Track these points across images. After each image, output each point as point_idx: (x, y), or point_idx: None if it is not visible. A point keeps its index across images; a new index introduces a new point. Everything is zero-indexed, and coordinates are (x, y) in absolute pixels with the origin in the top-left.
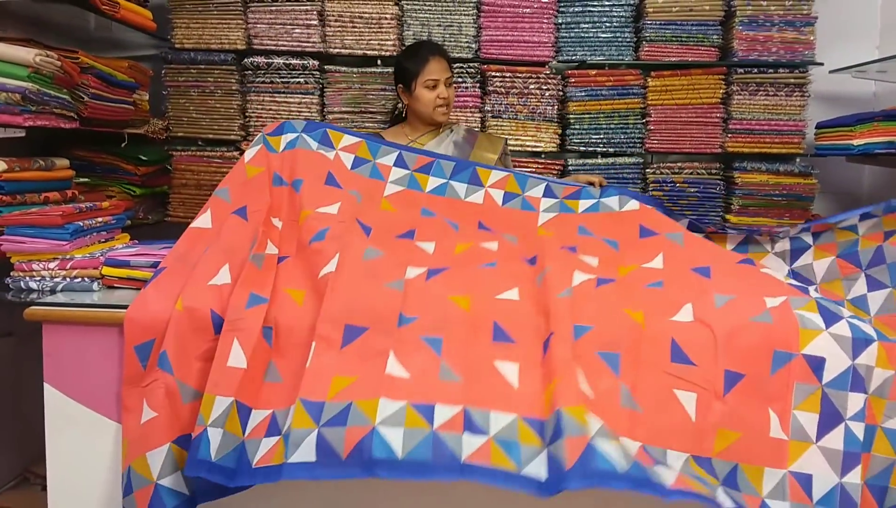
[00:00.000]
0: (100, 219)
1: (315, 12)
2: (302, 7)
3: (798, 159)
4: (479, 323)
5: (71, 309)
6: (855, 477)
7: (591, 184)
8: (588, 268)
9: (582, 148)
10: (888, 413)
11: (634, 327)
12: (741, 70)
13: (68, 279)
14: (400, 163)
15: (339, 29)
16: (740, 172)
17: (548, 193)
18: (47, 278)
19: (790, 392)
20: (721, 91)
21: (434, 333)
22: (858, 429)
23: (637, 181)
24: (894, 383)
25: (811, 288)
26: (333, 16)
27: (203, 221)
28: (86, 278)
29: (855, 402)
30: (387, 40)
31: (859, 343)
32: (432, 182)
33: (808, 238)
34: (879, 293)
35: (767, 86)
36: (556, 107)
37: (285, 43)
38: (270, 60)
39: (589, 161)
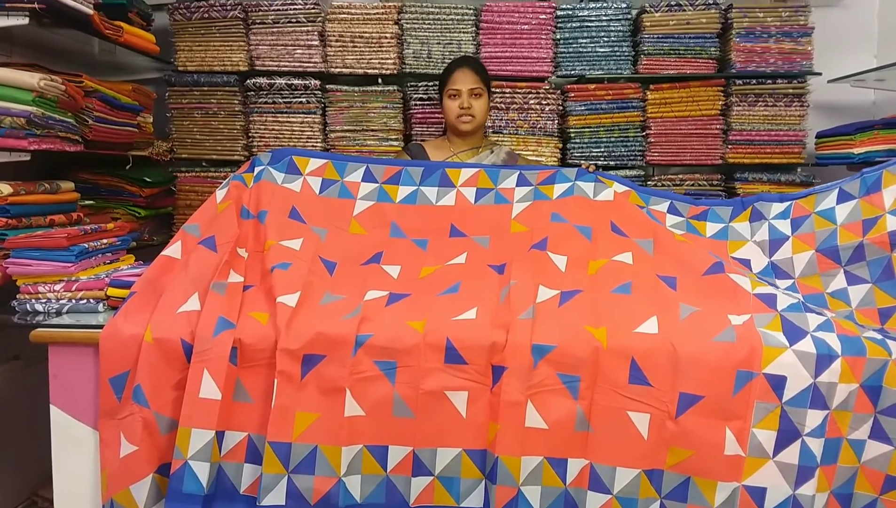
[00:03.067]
0: (105, 241)
1: (316, 33)
2: (303, 28)
3: (799, 169)
4: (432, 343)
5: (76, 331)
6: (809, 489)
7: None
8: (554, 277)
9: (583, 162)
10: (853, 425)
11: (596, 347)
12: (740, 81)
13: (74, 301)
14: (368, 177)
15: (340, 49)
16: (742, 183)
17: (521, 181)
18: (53, 300)
19: (750, 411)
20: (720, 103)
21: (387, 356)
22: (816, 445)
23: None
24: (859, 396)
25: (787, 283)
26: (334, 36)
27: (173, 250)
28: (91, 300)
29: (814, 418)
30: (387, 59)
31: (823, 360)
32: (402, 191)
33: (787, 226)
34: (860, 288)
35: (766, 96)
36: (556, 121)
37: (287, 63)
38: (272, 81)
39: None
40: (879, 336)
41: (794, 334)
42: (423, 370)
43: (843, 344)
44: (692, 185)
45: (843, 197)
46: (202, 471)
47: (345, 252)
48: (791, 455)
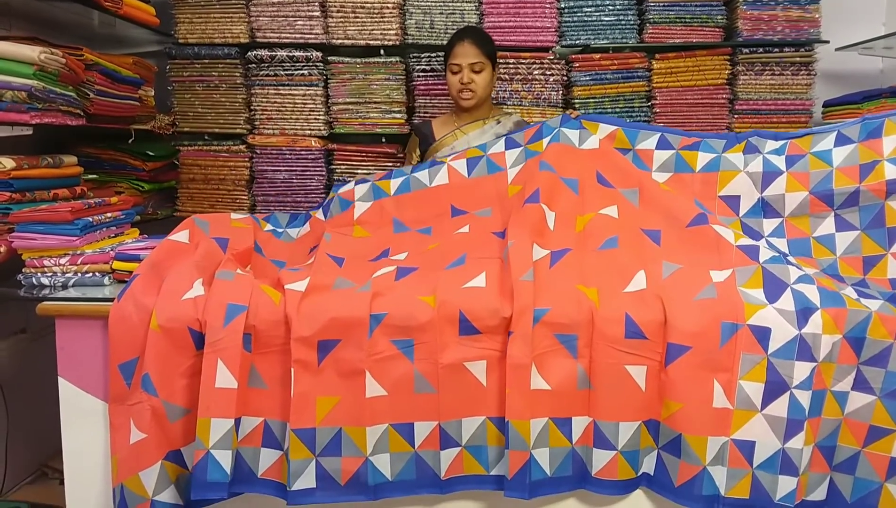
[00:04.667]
0: (109, 214)
1: (317, 3)
2: None
3: None
4: (445, 316)
5: (83, 304)
6: (798, 443)
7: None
8: (545, 235)
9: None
10: (837, 377)
11: (589, 306)
12: (746, 50)
13: (79, 275)
14: (360, 181)
15: (342, 20)
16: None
17: (510, 144)
18: (59, 274)
19: (737, 363)
20: (726, 72)
21: (403, 334)
22: (804, 397)
23: None
24: (842, 347)
25: (775, 223)
26: (335, 6)
27: (181, 236)
28: (97, 273)
29: (802, 371)
30: (389, 30)
31: (803, 314)
32: (394, 184)
33: (782, 162)
34: (847, 234)
35: (773, 65)
36: (560, 92)
37: (288, 35)
38: (274, 53)
39: None
40: (855, 295)
41: (774, 290)
42: (439, 344)
43: (822, 296)
44: None
45: (842, 140)
46: (225, 459)
47: (352, 251)
48: (779, 407)
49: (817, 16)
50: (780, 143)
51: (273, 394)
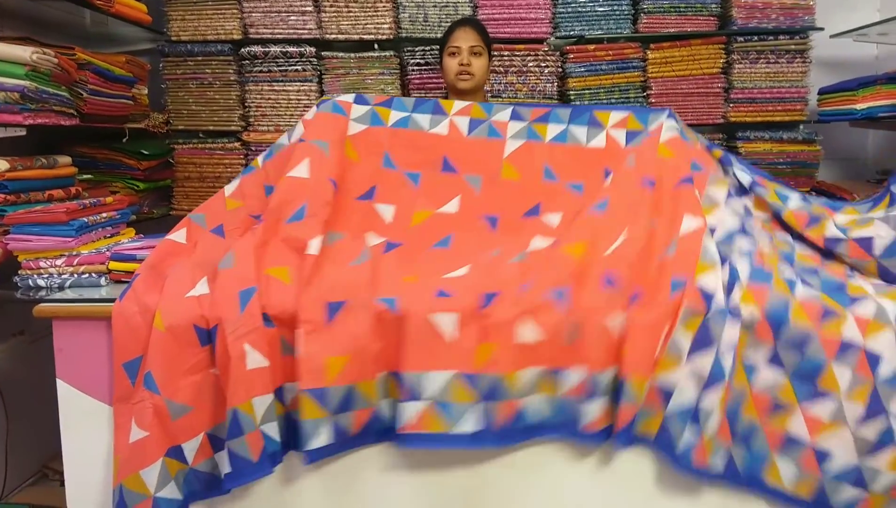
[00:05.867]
0: (104, 214)
1: None
2: None
3: (801, 126)
4: (424, 283)
5: (80, 305)
6: (712, 401)
7: None
8: (547, 231)
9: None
10: (750, 348)
11: (574, 262)
12: (741, 38)
13: (76, 275)
14: (360, 101)
15: (335, 14)
16: (744, 142)
17: (515, 116)
18: (55, 275)
19: (678, 314)
20: (721, 61)
21: (388, 290)
22: (727, 360)
23: None
24: (759, 322)
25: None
26: (329, 1)
27: (178, 236)
28: (93, 274)
29: (730, 334)
30: (383, 24)
31: (732, 284)
32: (394, 116)
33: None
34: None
35: (768, 53)
36: (555, 84)
37: (281, 31)
38: (267, 49)
39: None
40: (795, 278)
41: (723, 255)
42: (415, 303)
43: (752, 271)
44: None
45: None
46: (273, 430)
47: (342, 178)
48: (705, 363)
49: (812, 3)
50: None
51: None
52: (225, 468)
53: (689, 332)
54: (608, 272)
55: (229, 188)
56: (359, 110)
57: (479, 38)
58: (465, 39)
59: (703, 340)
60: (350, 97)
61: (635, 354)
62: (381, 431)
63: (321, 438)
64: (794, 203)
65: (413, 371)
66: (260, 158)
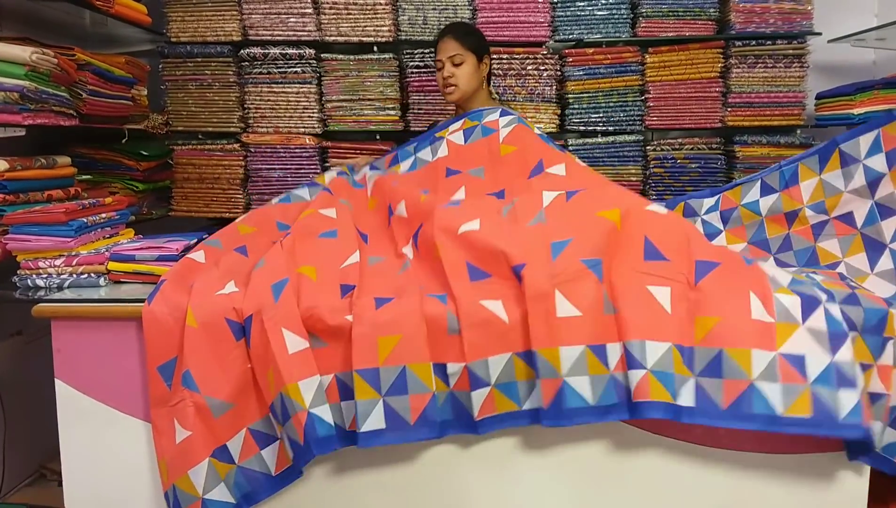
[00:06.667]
0: (103, 215)
1: (309, 0)
2: None
3: (799, 131)
4: (454, 263)
5: (78, 305)
6: (846, 355)
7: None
8: (556, 181)
9: (581, 127)
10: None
11: (611, 229)
12: (739, 43)
13: (75, 276)
14: (372, 168)
15: (335, 16)
16: (741, 146)
17: (503, 113)
18: (54, 275)
19: (766, 278)
20: (719, 65)
21: (435, 290)
22: (835, 311)
23: (638, 159)
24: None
25: None
26: (328, 3)
27: (197, 256)
28: (92, 274)
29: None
30: (382, 26)
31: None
32: (403, 166)
33: (718, 221)
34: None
35: (766, 58)
36: (554, 87)
37: (281, 33)
38: (267, 51)
39: (589, 140)
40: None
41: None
42: (457, 289)
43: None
44: (691, 149)
45: (766, 190)
46: (325, 413)
47: (370, 224)
48: (818, 321)
49: (809, 8)
50: (714, 199)
51: (335, 350)
52: (289, 452)
53: (790, 296)
54: (650, 242)
55: (239, 219)
56: (373, 177)
57: (459, 45)
58: (444, 51)
59: (806, 297)
60: (366, 170)
61: (730, 323)
62: (445, 423)
63: (374, 421)
64: (763, 206)
65: (475, 360)
66: (274, 200)
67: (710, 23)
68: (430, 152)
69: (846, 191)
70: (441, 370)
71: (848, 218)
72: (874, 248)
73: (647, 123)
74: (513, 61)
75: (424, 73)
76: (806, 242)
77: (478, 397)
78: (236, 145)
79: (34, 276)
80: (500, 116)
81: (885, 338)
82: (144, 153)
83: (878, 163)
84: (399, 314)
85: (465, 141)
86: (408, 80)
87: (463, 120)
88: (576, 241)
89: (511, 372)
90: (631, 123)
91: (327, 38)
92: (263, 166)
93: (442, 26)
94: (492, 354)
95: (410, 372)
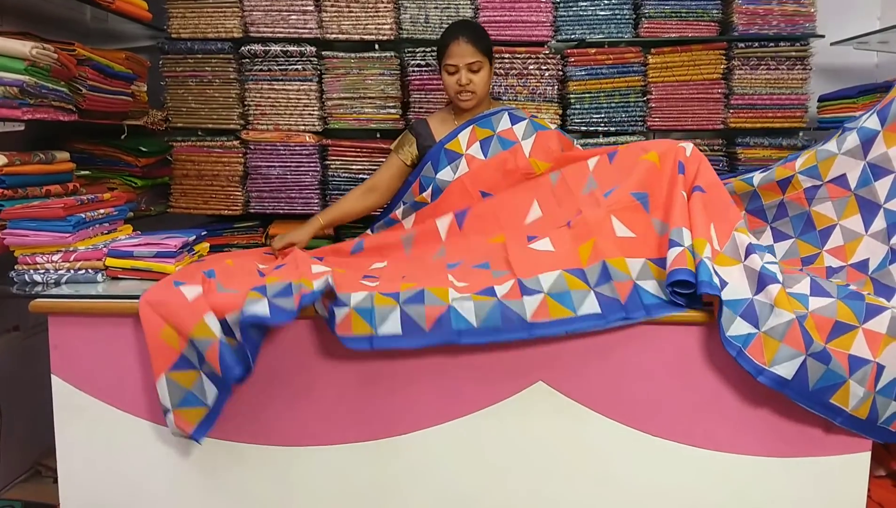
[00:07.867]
0: (102, 211)
1: None
2: None
3: (801, 133)
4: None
5: (76, 301)
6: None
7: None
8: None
9: (583, 128)
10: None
11: (653, 168)
12: (742, 45)
13: (72, 271)
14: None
15: (336, 14)
16: (743, 148)
17: (514, 120)
18: (51, 271)
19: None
20: (722, 66)
21: (482, 260)
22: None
23: None
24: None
25: None
26: (329, 1)
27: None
28: (90, 270)
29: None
30: (384, 24)
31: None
32: (427, 195)
33: None
34: (784, 243)
35: (768, 60)
36: (556, 87)
37: (282, 30)
38: (267, 48)
39: (590, 141)
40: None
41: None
42: (512, 255)
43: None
44: None
45: (763, 170)
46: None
47: (416, 268)
48: (754, 263)
49: (812, 10)
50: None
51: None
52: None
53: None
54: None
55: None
56: (401, 211)
57: (476, 50)
58: (460, 56)
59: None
60: (398, 208)
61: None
62: (459, 332)
63: (391, 325)
64: (756, 178)
65: (527, 277)
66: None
67: (712, 24)
68: (448, 171)
69: (840, 153)
70: (489, 291)
71: (841, 180)
72: (868, 209)
73: (649, 124)
74: (514, 61)
75: (426, 71)
76: (800, 207)
77: (530, 303)
78: (236, 143)
79: (32, 271)
80: (512, 123)
81: (877, 307)
82: (143, 149)
83: (872, 121)
84: (427, 275)
85: (486, 155)
86: (409, 78)
87: (472, 129)
88: (624, 185)
89: (563, 284)
90: (633, 123)
91: (328, 35)
92: (263, 164)
93: (444, 25)
94: (542, 272)
95: (428, 292)
